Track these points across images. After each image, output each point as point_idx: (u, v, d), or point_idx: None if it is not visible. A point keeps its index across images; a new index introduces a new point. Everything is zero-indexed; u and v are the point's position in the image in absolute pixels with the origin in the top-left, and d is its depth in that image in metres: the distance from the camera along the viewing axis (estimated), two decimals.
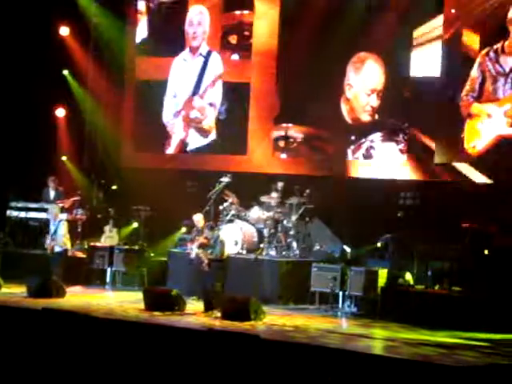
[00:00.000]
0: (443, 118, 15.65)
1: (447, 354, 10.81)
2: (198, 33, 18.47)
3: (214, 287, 14.23)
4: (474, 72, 15.16)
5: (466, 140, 15.22)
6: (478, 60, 15.15)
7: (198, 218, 15.49)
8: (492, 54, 15.01)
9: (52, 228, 15.33)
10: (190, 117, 18.39)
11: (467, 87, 15.23)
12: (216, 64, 18.24)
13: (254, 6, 17.83)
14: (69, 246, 15.55)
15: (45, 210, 17.13)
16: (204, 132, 18.32)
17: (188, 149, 18.45)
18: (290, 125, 17.50)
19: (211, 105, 18.24)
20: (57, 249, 15.18)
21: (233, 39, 18.14)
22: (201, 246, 15.05)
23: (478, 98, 15.16)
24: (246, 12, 17.89)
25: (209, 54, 18.36)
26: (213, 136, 18.17)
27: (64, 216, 16.17)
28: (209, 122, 18.23)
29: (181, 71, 18.63)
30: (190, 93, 18.43)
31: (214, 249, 14.71)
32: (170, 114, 18.62)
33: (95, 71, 19.23)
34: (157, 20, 19.11)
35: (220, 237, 14.90)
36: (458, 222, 14.19)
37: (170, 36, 18.85)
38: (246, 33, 17.94)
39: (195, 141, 18.35)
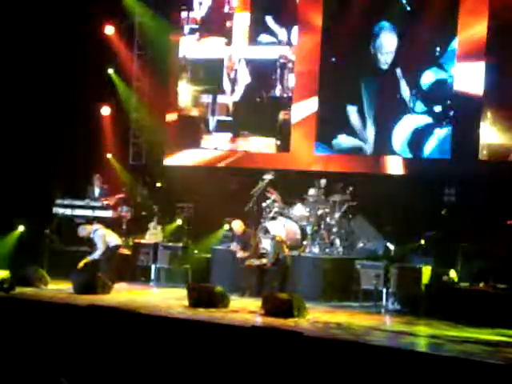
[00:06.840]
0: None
1: (492, 352, 10.75)
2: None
3: (279, 287, 14.38)
4: None
5: None
6: None
7: (237, 225, 15.51)
8: None
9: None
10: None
11: None
12: None
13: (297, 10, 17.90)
14: (120, 241, 15.68)
15: (90, 208, 17.34)
16: None
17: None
18: None
19: None
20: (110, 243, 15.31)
21: None
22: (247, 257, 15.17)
23: None
24: None
25: None
26: None
27: (98, 226, 15.88)
28: None
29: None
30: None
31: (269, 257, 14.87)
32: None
33: (140, 70, 19.43)
34: (203, 18, 19.22)
35: (276, 238, 14.89)
36: (502, 219, 14.09)
37: (216, 30, 18.97)
38: None
39: None
